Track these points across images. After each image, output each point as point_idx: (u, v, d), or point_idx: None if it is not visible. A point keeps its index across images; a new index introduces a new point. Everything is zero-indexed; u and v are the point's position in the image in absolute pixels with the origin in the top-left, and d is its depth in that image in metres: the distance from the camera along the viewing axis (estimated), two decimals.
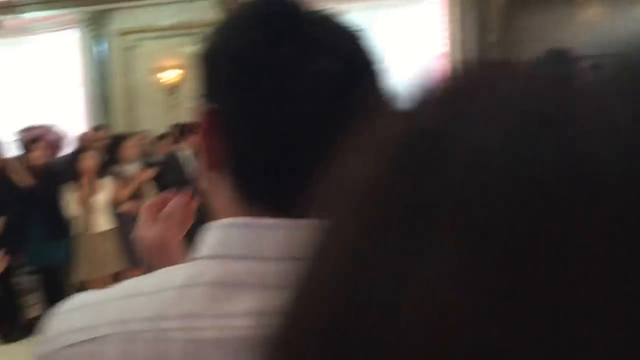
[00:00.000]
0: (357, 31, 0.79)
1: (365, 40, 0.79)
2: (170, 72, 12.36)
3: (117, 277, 7.07)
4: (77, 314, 0.75)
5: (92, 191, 6.62)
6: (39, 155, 6.72)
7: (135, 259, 6.97)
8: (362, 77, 0.76)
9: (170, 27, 12.37)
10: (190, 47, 12.42)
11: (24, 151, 6.99)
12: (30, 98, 13.03)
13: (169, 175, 7.20)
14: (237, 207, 0.76)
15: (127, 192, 6.90)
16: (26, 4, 12.68)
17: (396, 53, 11.75)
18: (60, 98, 13.16)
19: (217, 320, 0.70)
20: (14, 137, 8.53)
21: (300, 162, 0.72)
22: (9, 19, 12.88)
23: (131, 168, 7.15)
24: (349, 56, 0.75)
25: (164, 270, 0.77)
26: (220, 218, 0.78)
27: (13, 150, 7.81)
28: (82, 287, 7.05)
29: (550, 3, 11.18)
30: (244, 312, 0.70)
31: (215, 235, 0.76)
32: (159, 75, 12.40)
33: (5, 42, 13.21)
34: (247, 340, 0.67)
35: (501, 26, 11.02)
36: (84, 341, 0.72)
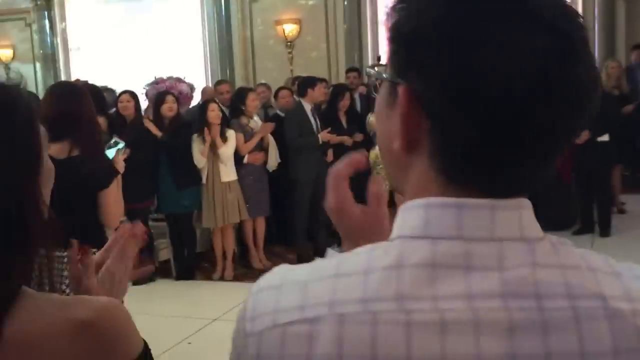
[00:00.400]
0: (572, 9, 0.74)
1: (580, 18, 0.74)
2: (289, 26, 12.50)
3: (240, 226, 7.41)
4: (286, 292, 0.74)
5: (218, 143, 6.83)
6: (169, 108, 6.92)
7: (258, 210, 7.25)
8: (579, 57, 0.71)
9: None
10: (308, 0, 12.54)
11: (155, 104, 7.20)
12: (156, 52, 13.48)
13: (290, 129, 7.37)
14: (434, 187, 0.74)
15: (250, 144, 7.12)
16: None
17: None
18: (183, 52, 13.56)
19: (433, 302, 0.69)
20: (144, 90, 8.90)
21: (507, 144, 0.71)
22: None
23: (254, 121, 7.33)
24: (568, 35, 0.71)
25: (367, 248, 0.75)
26: (410, 197, 0.77)
27: (144, 103, 8.16)
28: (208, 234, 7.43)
29: None
30: (457, 295, 0.69)
31: (417, 215, 0.74)
32: (278, 28, 12.56)
33: None
34: (461, 322, 0.68)
35: None
36: (299, 320, 0.71)
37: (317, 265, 0.77)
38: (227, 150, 6.91)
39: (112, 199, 3.40)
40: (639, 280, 0.74)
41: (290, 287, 0.74)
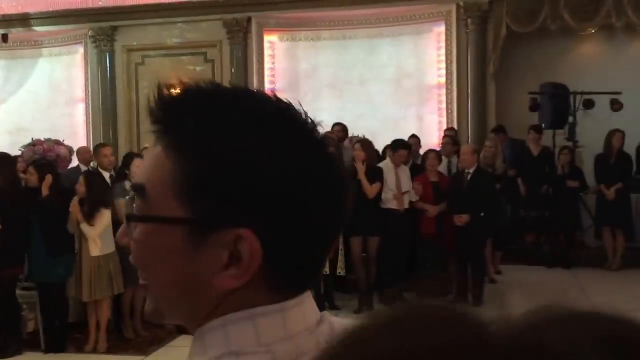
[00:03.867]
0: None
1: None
2: (176, 90, 12.49)
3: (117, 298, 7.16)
4: None
5: (78, 218, 6.56)
6: (44, 175, 6.71)
7: (136, 280, 7.01)
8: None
9: (177, 46, 12.55)
10: (195, 66, 12.64)
11: (34, 167, 7.00)
12: (36, 110, 13.17)
13: None
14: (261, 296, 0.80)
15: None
16: (37, 18, 12.87)
17: (397, 81, 12.00)
18: (65, 111, 13.30)
19: None
20: (20, 152, 8.64)
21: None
22: (20, 32, 13.06)
23: None
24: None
25: None
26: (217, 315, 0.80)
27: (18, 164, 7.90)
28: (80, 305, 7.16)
29: (549, 36, 11.37)
30: None
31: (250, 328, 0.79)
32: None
33: (14, 54, 13.39)
34: None
35: (500, 57, 11.21)
36: None
37: None
38: (90, 230, 6.60)
39: None
40: None
41: None
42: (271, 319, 0.78)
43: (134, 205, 0.83)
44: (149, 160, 0.82)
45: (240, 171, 0.75)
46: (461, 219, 7.83)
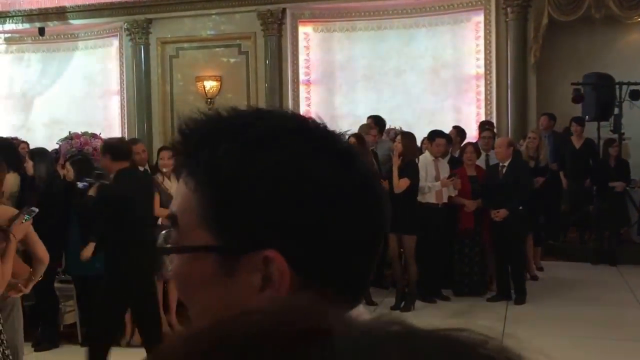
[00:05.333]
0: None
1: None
2: (209, 82, 12.47)
3: None
4: None
5: None
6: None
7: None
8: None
9: (211, 38, 12.50)
10: (229, 58, 12.56)
11: (70, 163, 7.02)
12: (71, 103, 13.24)
13: None
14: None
15: (165, 210, 6.90)
16: (73, 11, 12.92)
17: (434, 72, 11.78)
18: (100, 104, 13.35)
19: None
20: (58, 145, 8.64)
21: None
22: (56, 25, 13.14)
23: (168, 181, 7.18)
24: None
25: None
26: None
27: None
28: None
29: (593, 25, 11.05)
30: None
31: None
32: (198, 84, 12.52)
33: (50, 48, 13.48)
34: None
35: (541, 47, 10.93)
36: None
37: None
38: None
39: None
40: None
41: None
42: None
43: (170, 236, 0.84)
44: (178, 190, 0.84)
45: (259, 195, 0.76)
46: (499, 214, 7.64)
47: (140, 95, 12.79)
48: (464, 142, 9.12)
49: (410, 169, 7.51)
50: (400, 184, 7.40)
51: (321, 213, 0.76)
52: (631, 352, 6.06)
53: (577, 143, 9.99)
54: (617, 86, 10.07)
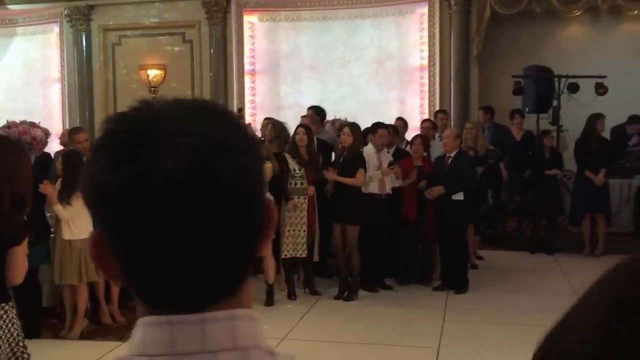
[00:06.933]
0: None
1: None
2: (153, 71, 12.31)
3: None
4: None
5: (52, 200, 6.31)
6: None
7: None
8: (207, 169, 0.77)
9: (155, 26, 12.33)
10: (174, 47, 12.41)
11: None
12: (10, 90, 12.92)
13: None
14: (146, 307, 0.81)
15: None
16: None
17: (378, 63, 11.85)
18: (40, 92, 13.06)
19: None
20: None
21: (171, 271, 0.77)
22: None
23: None
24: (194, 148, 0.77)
25: None
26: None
27: None
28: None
29: (534, 18, 11.26)
30: None
31: (137, 333, 0.80)
32: (141, 72, 12.34)
33: None
34: None
35: (484, 40, 11.09)
36: None
37: None
38: (63, 212, 6.35)
39: (22, 256, 3.42)
40: None
41: None
42: (144, 330, 0.80)
43: None
44: None
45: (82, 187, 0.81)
46: (432, 192, 7.77)
47: (81, 83, 12.56)
48: (412, 135, 9.19)
49: (360, 160, 7.57)
50: (358, 177, 7.46)
51: (94, 212, 0.80)
52: None
53: (517, 135, 10.17)
54: (556, 79, 10.29)
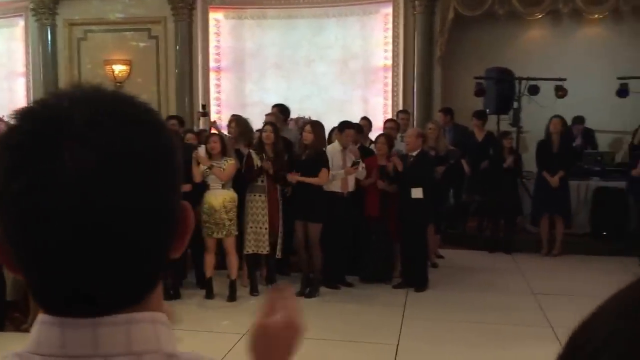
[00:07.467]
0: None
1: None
2: (118, 66, 12.27)
3: None
4: None
5: None
6: None
7: None
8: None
9: (120, 21, 12.28)
10: (139, 42, 12.37)
11: None
12: None
13: None
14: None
15: None
16: None
17: (343, 62, 11.94)
18: (4, 85, 12.93)
19: None
20: None
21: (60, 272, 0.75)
22: None
23: None
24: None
25: None
26: None
27: None
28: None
29: (497, 21, 11.42)
30: None
31: (34, 331, 0.79)
32: (107, 67, 12.29)
33: None
34: None
35: (447, 41, 11.22)
36: None
37: None
38: None
39: None
40: None
41: None
42: (39, 329, 0.79)
43: None
44: None
45: None
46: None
47: (46, 77, 12.46)
48: (375, 134, 9.29)
49: (323, 159, 7.65)
50: (321, 177, 7.54)
51: None
52: (523, 336, 6.36)
53: (479, 136, 10.31)
54: (517, 81, 10.46)
